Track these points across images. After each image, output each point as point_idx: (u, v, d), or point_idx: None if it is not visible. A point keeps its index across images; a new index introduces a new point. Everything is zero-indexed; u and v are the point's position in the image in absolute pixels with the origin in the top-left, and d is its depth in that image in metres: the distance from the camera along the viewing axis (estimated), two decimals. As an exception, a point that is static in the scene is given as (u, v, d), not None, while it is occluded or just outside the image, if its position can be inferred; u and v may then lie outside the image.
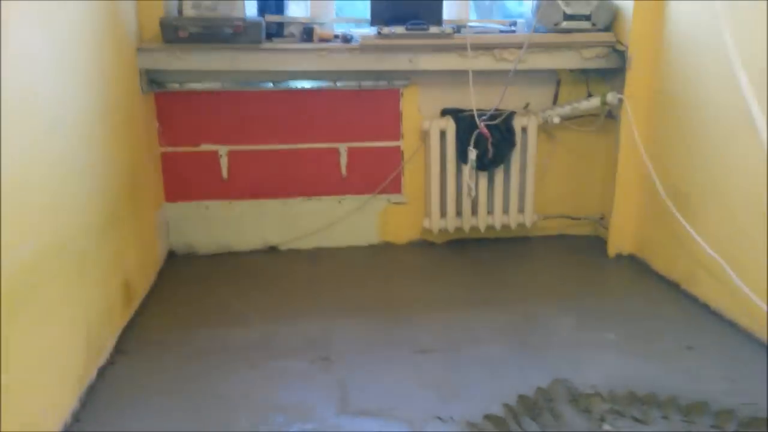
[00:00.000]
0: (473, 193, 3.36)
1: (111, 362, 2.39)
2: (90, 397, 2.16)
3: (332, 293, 3.04)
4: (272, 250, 3.58)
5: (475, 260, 3.44)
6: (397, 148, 3.54)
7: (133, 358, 2.44)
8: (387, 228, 3.65)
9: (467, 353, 2.49)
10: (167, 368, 2.38)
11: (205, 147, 3.38)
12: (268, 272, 3.28)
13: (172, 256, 3.46)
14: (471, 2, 3.55)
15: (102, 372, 2.31)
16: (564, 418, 2.11)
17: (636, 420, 2.12)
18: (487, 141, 3.22)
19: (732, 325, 2.65)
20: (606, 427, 2.07)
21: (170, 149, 3.35)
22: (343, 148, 3.49)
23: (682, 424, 2.09)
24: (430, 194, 3.49)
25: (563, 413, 2.13)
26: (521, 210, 3.59)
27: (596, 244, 3.65)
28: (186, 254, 3.48)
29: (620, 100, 3.24)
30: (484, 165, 3.38)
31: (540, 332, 2.64)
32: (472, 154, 3.21)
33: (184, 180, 3.40)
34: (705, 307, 2.82)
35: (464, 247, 3.64)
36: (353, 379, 2.31)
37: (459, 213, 3.56)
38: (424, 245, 3.68)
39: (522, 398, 2.19)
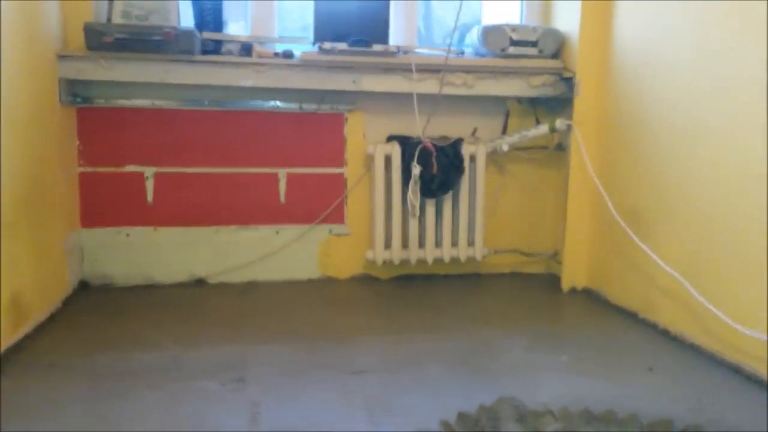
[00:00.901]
0: (417, 213, 3.16)
1: (-19, 382, 2.01)
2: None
3: (259, 322, 2.72)
4: (199, 282, 3.26)
5: (421, 295, 3.19)
6: (341, 175, 3.36)
7: (14, 380, 2.06)
8: (328, 261, 3.39)
9: (405, 374, 2.19)
10: (54, 390, 2.00)
11: (130, 168, 3.13)
12: (191, 305, 2.95)
13: (84, 287, 3.10)
14: (418, 31, 3.52)
15: (-35, 392, 1.93)
16: (511, 439, 1.81)
17: (593, 439, 1.84)
18: (431, 157, 3.06)
19: (694, 348, 2.43)
20: (559, 447, 1.77)
21: (90, 169, 3.09)
22: (282, 173, 3.29)
23: (645, 444, 1.82)
24: (374, 224, 3.27)
25: (510, 433, 1.83)
26: (471, 243, 3.39)
27: (550, 280, 3.46)
28: (101, 285, 3.14)
29: (569, 126, 3.16)
30: (431, 191, 3.21)
31: (487, 355, 2.37)
32: (416, 169, 3.04)
33: (103, 203, 3.11)
34: (665, 333, 2.61)
35: (411, 282, 3.39)
36: (269, 399, 1.97)
37: (405, 245, 3.34)
38: (368, 280, 3.42)
39: (462, 416, 1.88)
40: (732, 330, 2.19)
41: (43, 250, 2.62)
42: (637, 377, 2.19)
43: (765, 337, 2.06)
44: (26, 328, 2.40)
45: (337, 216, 3.38)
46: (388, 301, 3.11)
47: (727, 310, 2.21)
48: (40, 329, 2.50)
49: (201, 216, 3.22)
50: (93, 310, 2.82)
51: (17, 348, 2.29)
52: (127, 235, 3.15)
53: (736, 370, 2.22)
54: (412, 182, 3.10)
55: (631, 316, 2.83)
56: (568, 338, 2.59)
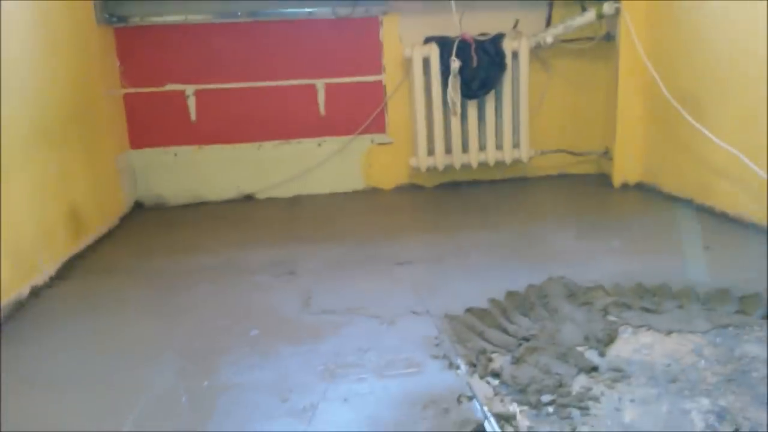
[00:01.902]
0: (458, 110, 3.09)
1: (49, 285, 2.13)
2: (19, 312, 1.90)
3: (307, 228, 2.76)
4: (248, 198, 3.32)
5: (467, 199, 3.15)
6: (379, 82, 3.29)
7: (79, 282, 2.18)
8: (372, 171, 3.38)
9: (451, 263, 2.19)
10: (117, 289, 2.11)
11: (171, 86, 3.15)
12: (241, 218, 3.02)
13: (139, 206, 3.21)
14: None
15: (36, 291, 2.05)
16: (560, 312, 1.79)
17: (646, 311, 1.80)
18: (471, 49, 2.95)
19: (753, 226, 2.33)
20: (611, 318, 1.75)
21: (133, 90, 3.13)
22: (320, 84, 3.25)
23: (701, 312, 1.77)
24: (416, 130, 3.22)
25: (559, 308, 1.82)
26: (516, 144, 3.30)
27: (601, 179, 3.34)
28: (155, 204, 3.24)
29: (617, 9, 2.97)
30: (473, 91, 3.11)
31: (535, 245, 2.34)
32: (455, 63, 2.94)
33: (149, 124, 3.17)
34: (722, 216, 2.50)
35: (457, 189, 3.35)
36: (320, 287, 2.02)
37: (449, 150, 3.28)
38: (413, 189, 3.40)
39: (511, 294, 1.88)
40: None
41: (96, 168, 2.70)
42: (693, 256, 2.12)
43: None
44: (87, 239, 2.52)
45: (378, 125, 3.33)
46: (433, 206, 3.10)
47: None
48: (100, 242, 2.61)
49: (243, 132, 3.24)
50: (149, 225, 2.93)
51: (79, 257, 2.40)
52: (175, 154, 3.21)
53: (799, 244, 2.12)
54: (451, 77, 3.00)
55: (686, 203, 2.72)
56: (620, 226, 2.52)
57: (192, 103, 3.18)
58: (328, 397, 1.36)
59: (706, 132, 2.46)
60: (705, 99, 2.55)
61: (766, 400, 1.32)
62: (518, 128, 3.27)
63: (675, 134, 2.77)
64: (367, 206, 3.12)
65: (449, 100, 3.06)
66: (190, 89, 3.17)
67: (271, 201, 3.29)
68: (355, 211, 3.02)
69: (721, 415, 1.29)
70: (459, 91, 3.04)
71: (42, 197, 2.18)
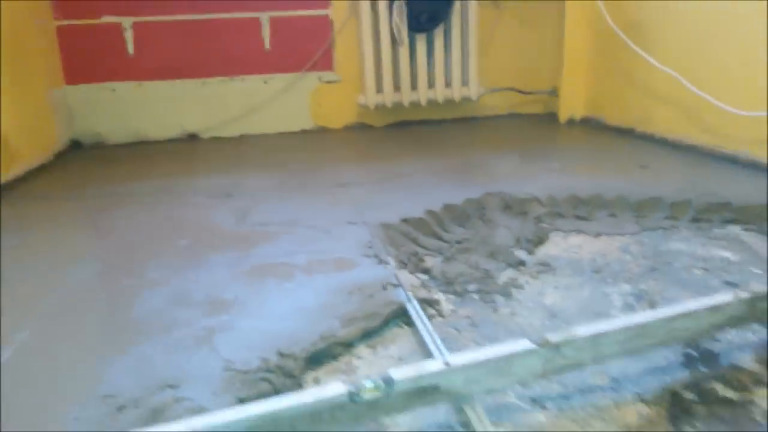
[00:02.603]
0: (404, 40, 3.04)
1: (-28, 210, 2.03)
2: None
3: (251, 162, 2.70)
4: (192, 138, 3.23)
5: (417, 137, 3.12)
6: (326, 17, 3.21)
7: (11, 209, 2.08)
8: (320, 110, 3.32)
9: (393, 184, 2.17)
10: (50, 211, 2.03)
11: (107, 19, 3.01)
12: (184, 154, 2.92)
13: (76, 145, 3.09)
14: None
15: (-44, 214, 1.96)
16: (495, 222, 1.80)
17: (578, 218, 1.82)
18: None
19: (691, 148, 2.38)
20: (544, 225, 1.76)
21: (66, 23, 2.98)
22: (264, 17, 3.15)
23: (632, 218, 1.80)
24: (364, 67, 3.16)
25: (495, 218, 1.82)
26: (465, 82, 3.28)
27: (548, 118, 3.36)
28: (93, 143, 3.12)
29: (562, -58, 2.94)
30: (420, 24, 3.06)
31: (478, 168, 2.34)
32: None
33: (84, 59, 3.03)
34: (662, 141, 2.55)
35: (406, 128, 3.33)
36: (256, 206, 1.98)
37: (397, 88, 3.24)
38: (363, 128, 3.36)
39: (448, 206, 1.88)
40: (730, 119, 2.12)
41: (26, 102, 2.57)
42: (629, 173, 2.15)
43: (765, 114, 1.98)
44: (16, 171, 2.41)
45: (325, 63, 3.27)
46: (382, 142, 3.07)
47: (725, 101, 2.13)
48: (32, 174, 2.51)
49: (186, 68, 3.14)
50: (85, 161, 2.82)
51: (9, 187, 2.30)
52: (113, 90, 3.09)
53: (732, 160, 2.17)
54: (396, 3, 2.94)
55: (629, 132, 2.77)
56: (561, 153, 2.54)
57: (129, 36, 3.05)
58: (254, 291, 1.33)
59: (649, 58, 2.48)
60: (648, 26, 2.56)
61: (684, 284, 1.35)
62: (467, 66, 3.24)
63: (619, 65, 2.79)
64: (315, 143, 3.07)
65: (394, 27, 3.01)
66: (127, 22, 3.03)
67: (217, 140, 3.20)
68: (302, 147, 2.97)
69: (640, 296, 1.31)
70: (405, 19, 2.99)
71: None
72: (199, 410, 0.91)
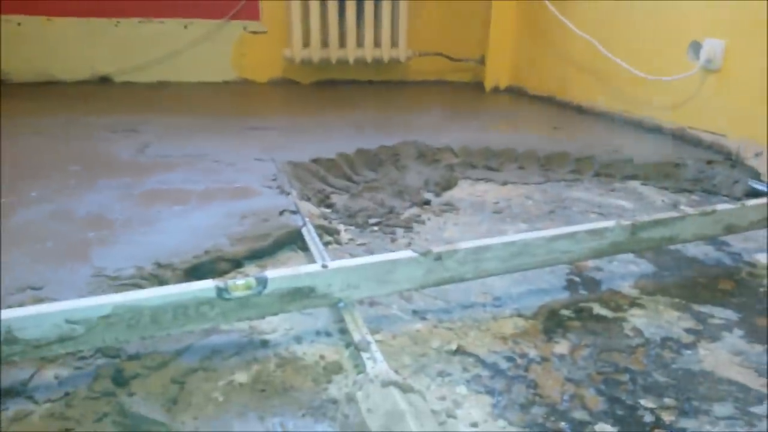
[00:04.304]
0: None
1: None
2: None
3: (163, 105, 2.57)
4: (104, 80, 3.05)
5: (342, 95, 3.06)
6: (253, -37, 3.10)
7: None
8: (244, 62, 3.21)
9: (308, 131, 2.12)
10: None
11: (11, -57, 2.78)
12: (93, 97, 2.75)
13: (-25, 81, 2.86)
14: None
15: None
16: (408, 168, 1.79)
17: (489, 169, 1.85)
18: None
19: (603, 115, 2.45)
20: (455, 174, 1.77)
21: (-36, -58, 2.73)
22: (186, -42, 3.00)
23: (539, 171, 1.83)
24: (291, 19, 3.07)
25: (408, 165, 1.81)
26: (395, 44, 3.25)
27: (475, 86, 3.39)
28: (-5, 80, 2.89)
29: None
30: (350, -19, 3.00)
31: (396, 124, 2.31)
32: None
33: (-14, -15, 2.80)
34: (578, 108, 2.62)
35: (333, 86, 3.27)
36: (158, 141, 1.88)
37: (325, 44, 3.18)
38: (288, 83, 3.28)
39: (361, 151, 1.85)
40: (638, 85, 2.20)
41: None
42: (542, 132, 2.19)
43: (669, 78, 2.06)
44: None
45: (251, 12, 3.15)
46: (305, 97, 3.00)
47: (636, 67, 2.20)
48: None
49: (99, 6, 2.94)
50: (-19, 95, 2.61)
51: None
52: (19, 24, 2.86)
53: (638, 125, 2.25)
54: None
55: (548, 100, 2.83)
56: (482, 115, 2.56)
57: (37, -35, 2.83)
58: (142, 212, 1.26)
59: (567, 23, 2.53)
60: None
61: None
62: (397, 27, 3.21)
63: (542, 34, 2.84)
64: (235, 94, 2.96)
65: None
66: (34, -51, 2.81)
67: (130, 84, 3.04)
68: (221, 97, 2.86)
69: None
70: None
71: None
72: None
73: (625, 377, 0.81)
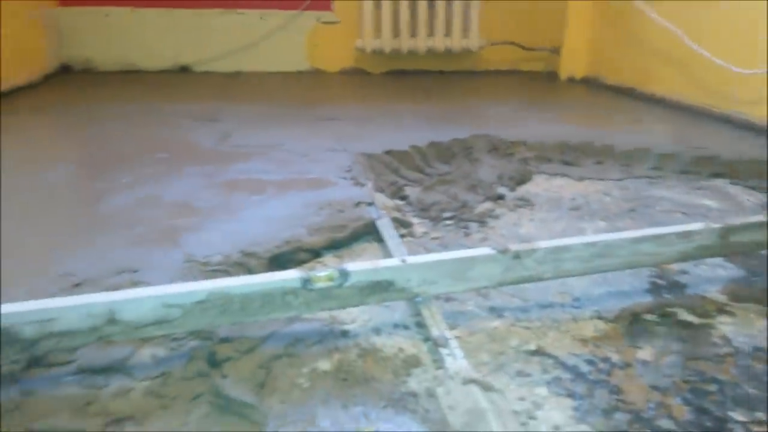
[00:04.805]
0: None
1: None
2: None
3: (240, 94, 2.65)
4: (184, 70, 3.17)
5: (413, 85, 3.06)
6: (328, -45, 3.13)
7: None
8: (317, 52, 3.26)
9: (380, 121, 2.14)
10: (25, 124, 1.99)
11: (103, -62, 2.93)
12: (174, 85, 2.87)
13: (66, 70, 3.03)
14: None
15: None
16: (481, 162, 1.77)
17: (565, 163, 1.80)
18: None
19: (688, 108, 2.34)
20: (530, 168, 1.74)
21: (61, -62, 2.90)
22: (265, -49, 3.07)
23: (619, 167, 1.78)
24: (363, 10, 3.09)
25: (481, 158, 1.80)
26: (466, 33, 3.22)
27: (549, 76, 3.30)
28: (83, 69, 3.06)
29: None
30: (423, -31, 2.98)
31: (469, 114, 2.30)
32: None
33: (79, -21, 2.96)
34: (661, 101, 2.51)
35: (403, 76, 3.27)
36: (239, 130, 1.95)
37: (397, 34, 3.18)
38: (359, 73, 3.30)
39: (434, 144, 1.85)
40: (727, 78, 2.08)
41: (17, 17, 2.51)
42: (622, 126, 2.12)
43: (765, 71, 1.95)
44: (3, 86, 2.36)
45: (324, 3, 3.19)
46: (376, 87, 3.01)
47: (725, 59, 2.09)
48: (16, 91, 2.46)
49: (181, -3, 3.06)
50: (73, 83, 2.77)
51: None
52: (106, 15, 3.02)
53: (725, 120, 2.14)
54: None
55: (628, 92, 2.72)
56: (556, 106, 2.50)
57: (125, -41, 2.96)
58: (224, 200, 1.31)
59: (651, 13, 2.42)
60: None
61: (662, 225, 1.34)
62: (469, 15, 3.17)
63: (622, 23, 2.73)
64: (308, 84, 3.01)
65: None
66: (123, -57, 2.94)
67: (209, 74, 3.15)
68: (294, 86, 2.92)
69: (614, 231, 1.29)
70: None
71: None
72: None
73: (713, 387, 0.78)
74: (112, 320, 0.75)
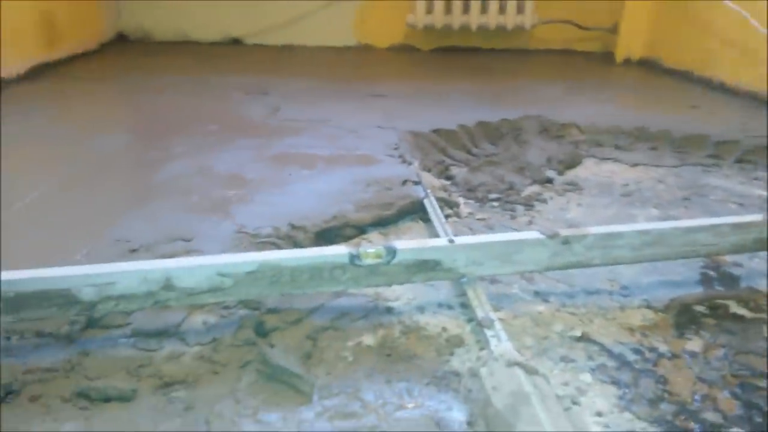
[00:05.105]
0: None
1: (16, 82, 2.08)
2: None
3: (289, 67, 2.67)
4: (236, 42, 3.20)
5: (463, 63, 3.00)
6: (381, -74, 3.08)
7: (47, 84, 2.13)
8: (366, 27, 3.24)
9: (428, 99, 2.12)
10: (86, 91, 2.06)
11: None
12: (225, 56, 2.90)
13: (122, 39, 3.11)
14: None
15: (1, 83, 2.00)
16: (530, 143, 1.74)
17: (617, 148, 1.76)
18: None
19: (750, 95, 2.23)
20: (580, 151, 1.70)
21: None
22: None
23: (674, 153, 1.72)
24: (415, -17, 3.05)
25: (530, 140, 1.77)
26: (521, 10, 3.14)
27: (605, 57, 3.20)
28: (138, 38, 3.13)
29: None
30: (478, -56, 2.91)
31: (519, 94, 2.25)
32: None
33: (136, -50, 3.00)
34: (720, 86, 2.40)
35: (454, 53, 3.21)
36: (288, 104, 1.97)
37: (449, 10, 3.12)
38: (407, 50, 3.27)
39: (482, 123, 1.83)
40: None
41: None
42: (678, 112, 2.04)
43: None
44: (60, 52, 2.44)
45: (377, -23, 3.16)
46: (426, 63, 2.98)
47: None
48: (76, 58, 2.54)
49: (235, -30, 3.08)
50: (129, 51, 2.84)
51: (51, 66, 2.34)
52: (162, -15, 3.07)
53: (792, 108, 2.04)
54: None
55: (686, 75, 2.61)
56: (611, 88, 2.43)
57: (181, -69, 2.99)
58: (274, 173, 1.33)
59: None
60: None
61: (716, 215, 1.29)
62: (524, -8, 3.09)
63: (683, 3, 2.62)
64: (357, 59, 3.00)
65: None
66: None
67: (259, 47, 3.17)
68: (343, 61, 2.91)
69: (667, 220, 1.26)
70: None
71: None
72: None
73: (763, 383, 0.76)
74: (168, 286, 0.78)
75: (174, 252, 0.94)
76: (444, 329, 0.84)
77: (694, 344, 0.83)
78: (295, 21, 3.18)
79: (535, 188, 1.42)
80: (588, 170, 1.57)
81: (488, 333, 0.77)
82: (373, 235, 1.13)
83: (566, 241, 0.89)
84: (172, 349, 0.77)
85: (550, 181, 1.46)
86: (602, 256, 0.92)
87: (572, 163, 1.60)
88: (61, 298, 0.75)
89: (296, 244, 1.02)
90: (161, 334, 0.80)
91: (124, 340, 0.78)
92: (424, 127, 1.74)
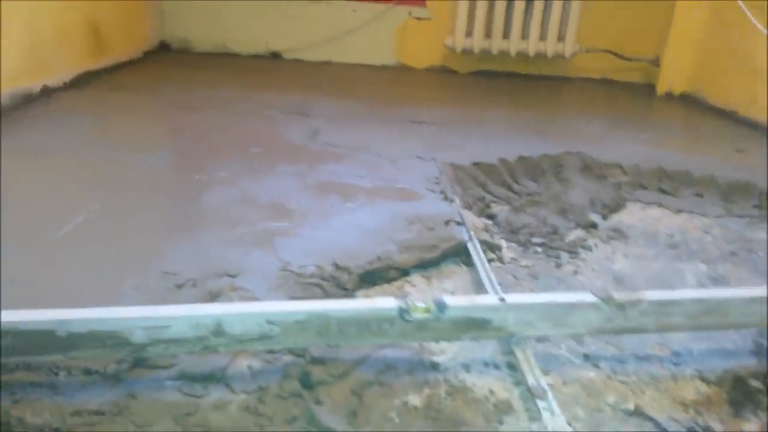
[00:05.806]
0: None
1: (62, 89, 2.12)
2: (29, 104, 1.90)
3: (328, 86, 2.68)
4: (275, 56, 3.23)
5: (501, 88, 2.99)
6: (425, -51, 3.09)
7: (91, 93, 2.16)
8: (405, 47, 3.24)
9: (468, 127, 2.11)
10: (129, 102, 2.09)
11: (209, -77, 3.00)
12: (264, 70, 2.93)
13: (165, 48, 3.15)
14: None
15: (48, 91, 2.04)
16: (571, 183, 1.72)
17: (662, 192, 1.72)
18: None
19: (798, 140, 2.18)
20: (623, 194, 1.67)
21: None
22: (363, -57, 3.06)
23: (719, 201, 1.68)
24: (457, 6, 3.04)
25: (571, 178, 1.74)
26: (561, 38, 3.11)
27: (646, 89, 3.16)
28: (181, 48, 3.17)
29: None
30: (523, -30, 2.90)
31: (560, 128, 2.23)
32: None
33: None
34: (766, 129, 2.35)
35: (491, 78, 3.20)
36: (328, 128, 1.97)
37: (488, 34, 3.11)
38: (446, 72, 3.26)
39: (523, 159, 1.81)
40: None
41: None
42: (723, 155, 2.00)
43: None
44: (106, 61, 2.48)
45: (419, -2, 3.16)
46: (464, 87, 2.97)
47: None
48: (120, 67, 2.58)
49: (278, -15, 3.11)
50: (171, 62, 2.88)
51: (96, 74, 2.38)
52: (205, -2, 3.11)
53: (842, 158, 1.98)
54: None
55: (730, 115, 2.56)
56: (654, 125, 2.39)
57: (228, -56, 3.03)
58: (317, 204, 1.33)
59: (763, 28, 2.26)
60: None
61: (766, 274, 1.26)
62: (567, 20, 3.06)
63: (732, 41, 2.57)
64: (396, 80, 3.01)
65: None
66: (228, -71, 3.01)
67: (298, 62, 3.19)
68: (382, 81, 2.92)
69: (716, 279, 1.23)
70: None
71: (63, 2, 2.12)
72: (253, 300, 0.92)
73: (825, 474, 0.73)
74: (218, 332, 0.77)
75: (220, 288, 0.94)
76: (491, 392, 0.82)
77: (752, 425, 0.80)
78: (336, 38, 3.20)
79: (579, 233, 1.39)
80: (632, 216, 1.54)
81: (541, 404, 0.75)
82: (416, 278, 1.11)
83: (621, 307, 0.86)
84: (218, 396, 0.76)
85: (594, 225, 1.44)
86: (656, 322, 0.89)
87: (616, 207, 1.57)
88: (113, 340, 0.75)
89: (339, 285, 1.01)
90: (207, 378, 0.79)
91: (170, 383, 0.78)
92: (464, 158, 1.72)
